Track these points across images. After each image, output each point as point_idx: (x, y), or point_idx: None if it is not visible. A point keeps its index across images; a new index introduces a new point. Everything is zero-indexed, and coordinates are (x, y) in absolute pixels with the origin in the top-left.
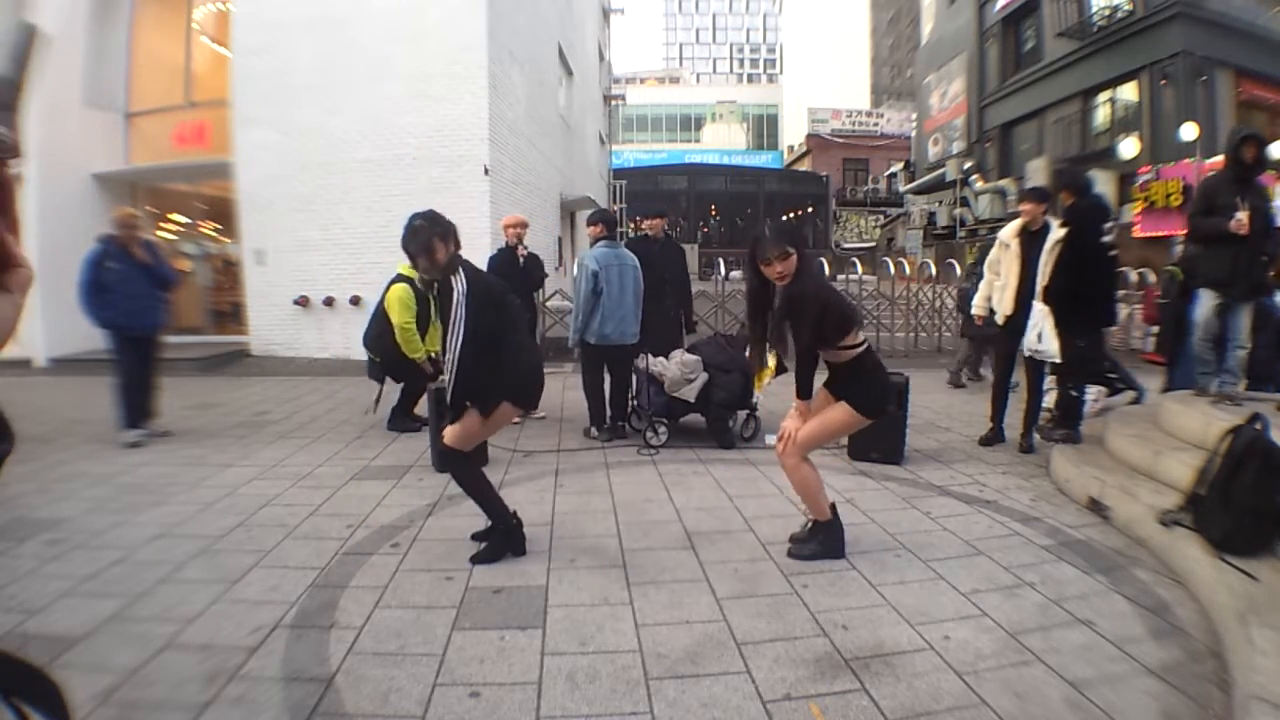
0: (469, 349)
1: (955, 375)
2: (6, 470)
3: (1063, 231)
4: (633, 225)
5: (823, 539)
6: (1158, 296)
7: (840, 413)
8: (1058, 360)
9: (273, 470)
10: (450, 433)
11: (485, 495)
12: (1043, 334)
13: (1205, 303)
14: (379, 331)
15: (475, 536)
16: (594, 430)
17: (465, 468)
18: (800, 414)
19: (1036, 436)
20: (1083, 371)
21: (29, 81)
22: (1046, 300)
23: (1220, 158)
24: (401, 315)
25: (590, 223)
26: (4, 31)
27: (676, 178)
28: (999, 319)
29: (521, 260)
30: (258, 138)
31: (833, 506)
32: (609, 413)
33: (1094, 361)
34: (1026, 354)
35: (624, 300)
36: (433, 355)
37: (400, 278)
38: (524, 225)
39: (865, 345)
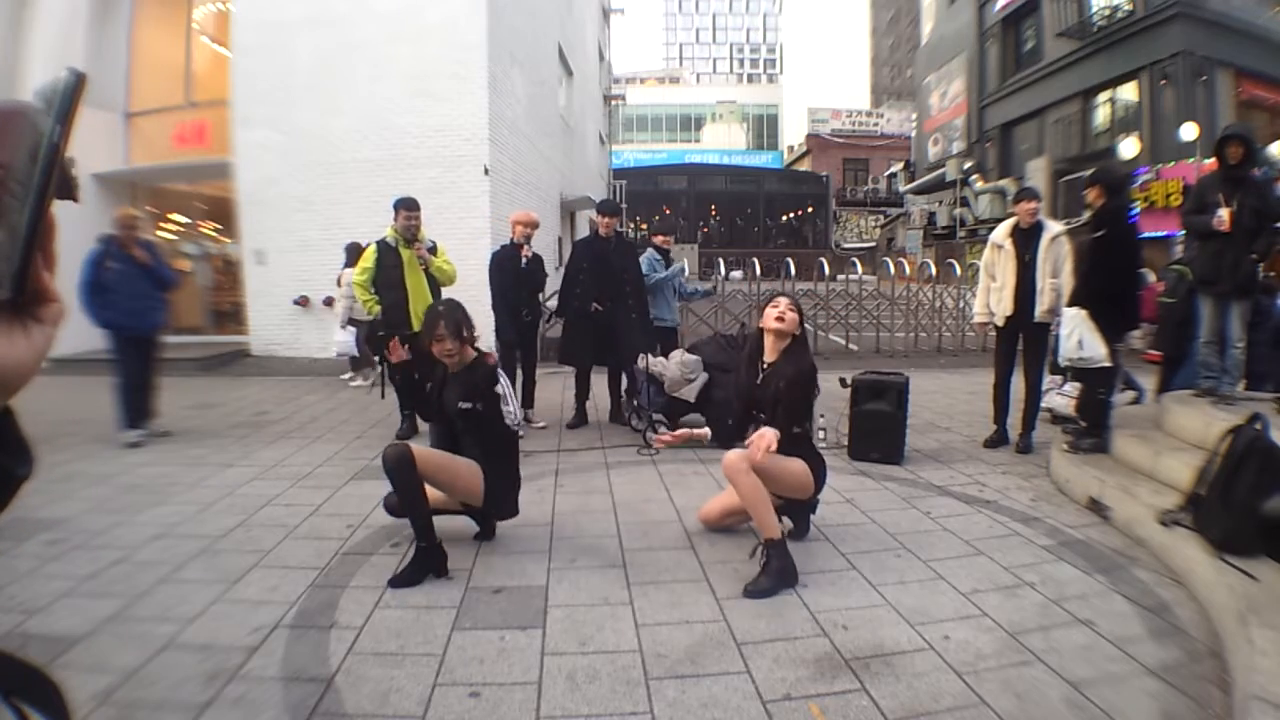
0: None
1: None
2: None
3: (1062, 230)
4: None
5: (777, 566)
6: (1160, 295)
7: (798, 465)
8: (1106, 365)
9: (273, 470)
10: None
11: (418, 509)
12: (1084, 340)
13: (1203, 302)
14: (390, 303)
15: (478, 537)
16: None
17: (410, 475)
18: (772, 440)
19: (1034, 437)
20: (1116, 375)
21: (74, 128)
22: (1079, 303)
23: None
24: (358, 269)
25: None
26: (52, 83)
27: (676, 178)
28: (999, 320)
29: (525, 261)
30: (258, 138)
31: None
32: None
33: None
34: (1064, 363)
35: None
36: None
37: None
38: (532, 225)
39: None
